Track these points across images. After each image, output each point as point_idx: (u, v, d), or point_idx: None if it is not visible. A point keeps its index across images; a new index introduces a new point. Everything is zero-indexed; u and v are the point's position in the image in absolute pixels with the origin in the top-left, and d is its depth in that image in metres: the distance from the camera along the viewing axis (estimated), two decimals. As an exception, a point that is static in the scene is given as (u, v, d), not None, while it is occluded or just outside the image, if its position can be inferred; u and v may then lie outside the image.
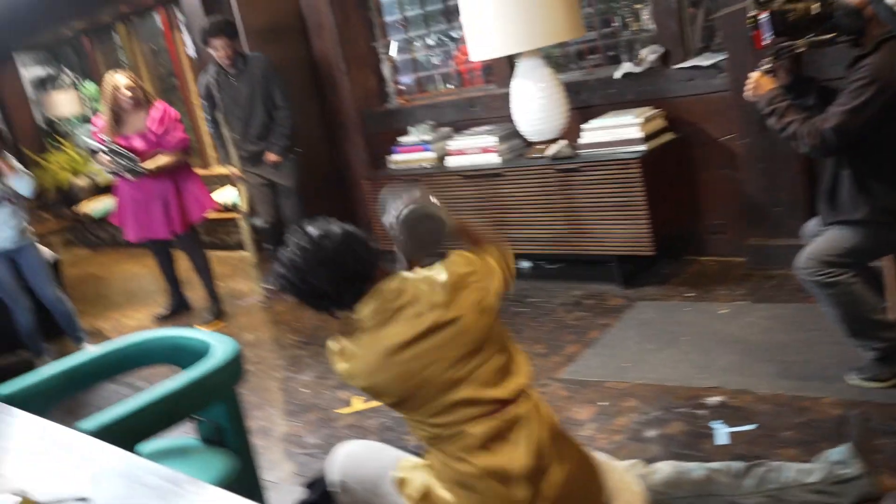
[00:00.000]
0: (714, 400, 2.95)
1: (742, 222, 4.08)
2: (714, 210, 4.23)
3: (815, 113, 2.63)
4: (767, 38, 2.61)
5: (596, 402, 3.14)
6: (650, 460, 2.62)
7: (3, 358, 5.09)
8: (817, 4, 2.55)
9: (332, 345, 1.92)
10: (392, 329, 1.84)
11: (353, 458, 2.14)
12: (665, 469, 2.27)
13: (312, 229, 1.90)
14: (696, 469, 2.26)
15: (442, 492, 1.91)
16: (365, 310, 1.87)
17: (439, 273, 1.92)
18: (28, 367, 4.91)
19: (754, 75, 2.74)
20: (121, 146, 4.84)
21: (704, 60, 4.00)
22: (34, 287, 4.75)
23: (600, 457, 2.18)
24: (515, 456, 1.86)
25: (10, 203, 4.54)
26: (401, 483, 2.00)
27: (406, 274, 1.93)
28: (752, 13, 2.61)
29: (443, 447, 1.89)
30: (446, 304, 1.86)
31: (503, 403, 1.88)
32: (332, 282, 1.85)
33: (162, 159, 4.90)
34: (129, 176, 4.88)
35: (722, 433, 2.74)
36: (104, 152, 4.83)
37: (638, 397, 3.11)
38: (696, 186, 4.25)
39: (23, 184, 4.54)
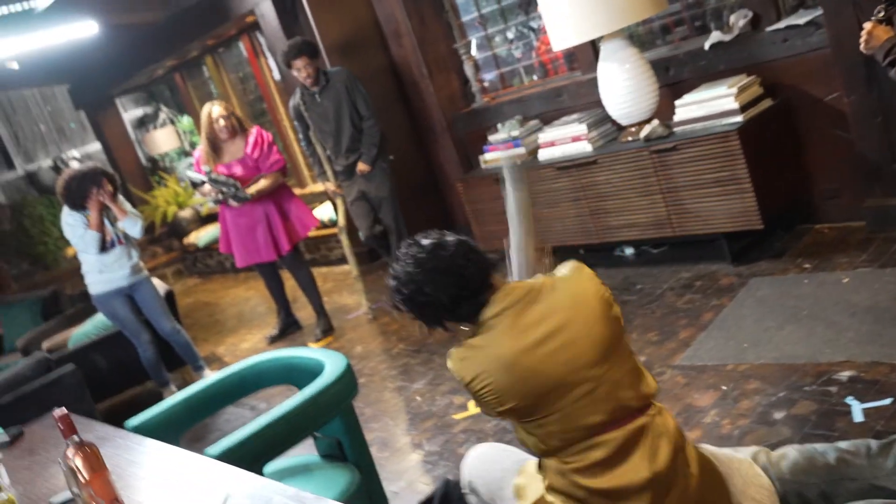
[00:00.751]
0: (845, 375, 2.80)
1: (857, 184, 3.86)
2: (825, 174, 4.02)
3: None
4: None
5: (717, 387, 3.03)
6: (780, 443, 2.51)
7: (132, 390, 5.33)
8: None
9: (454, 351, 1.87)
10: (515, 332, 1.79)
11: (481, 460, 2.12)
12: (792, 454, 2.13)
13: (426, 240, 1.88)
14: (826, 451, 2.12)
15: (555, 501, 1.86)
16: (486, 314, 1.83)
17: (562, 279, 1.87)
18: (155, 397, 5.15)
19: (867, 26, 2.57)
20: (221, 174, 5.00)
21: (799, 18, 3.80)
22: (151, 320, 4.95)
23: (723, 450, 2.07)
24: (635, 470, 1.78)
25: (121, 243, 4.74)
26: (519, 490, 1.96)
27: (527, 280, 1.90)
28: None
29: (560, 457, 1.83)
30: (570, 308, 1.81)
31: (630, 413, 1.81)
32: (449, 292, 1.81)
33: (262, 183, 5.03)
34: (233, 202, 5.03)
35: (857, 409, 2.58)
36: (206, 182, 4.99)
37: (761, 378, 2.98)
38: (802, 152, 4.05)
39: (133, 226, 4.75)
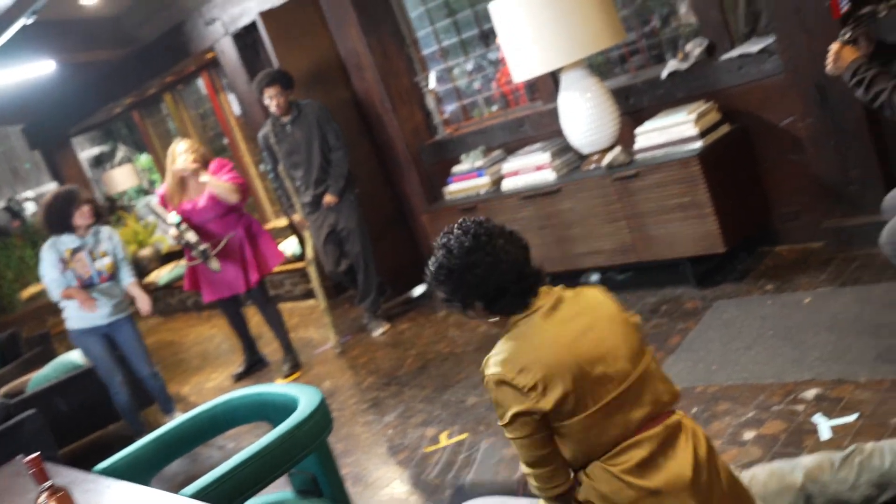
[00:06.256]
0: (811, 393, 2.84)
1: (815, 205, 3.95)
2: (784, 197, 4.11)
3: None
4: (844, 5, 2.51)
5: (688, 410, 3.05)
6: (751, 463, 2.54)
7: (95, 434, 5.21)
8: None
9: (493, 354, 1.83)
10: (553, 326, 1.81)
11: None
12: (761, 475, 2.19)
13: (497, 225, 1.87)
14: (794, 469, 2.18)
15: None
16: (523, 314, 1.84)
17: (578, 290, 1.94)
18: (121, 440, 5.03)
19: (834, 47, 2.64)
20: (193, 234, 4.93)
21: (752, 46, 3.91)
22: (130, 362, 4.83)
23: None
24: (682, 465, 1.79)
25: (105, 280, 4.65)
26: None
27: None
28: None
29: (605, 460, 1.81)
30: (594, 310, 1.87)
31: (666, 409, 1.84)
32: (506, 279, 1.81)
33: (212, 180, 4.94)
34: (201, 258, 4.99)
35: (824, 427, 2.63)
36: (175, 226, 4.91)
37: (730, 399, 3.01)
38: (761, 176, 4.14)
39: (127, 279, 4.73)
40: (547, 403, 1.74)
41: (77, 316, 4.65)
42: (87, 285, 4.60)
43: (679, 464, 1.78)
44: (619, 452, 1.78)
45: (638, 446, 1.78)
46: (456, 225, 1.88)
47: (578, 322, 1.82)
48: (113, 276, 4.68)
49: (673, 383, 1.90)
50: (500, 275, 1.80)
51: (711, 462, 1.82)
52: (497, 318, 1.86)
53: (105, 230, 4.74)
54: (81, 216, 4.57)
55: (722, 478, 1.83)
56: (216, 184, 4.94)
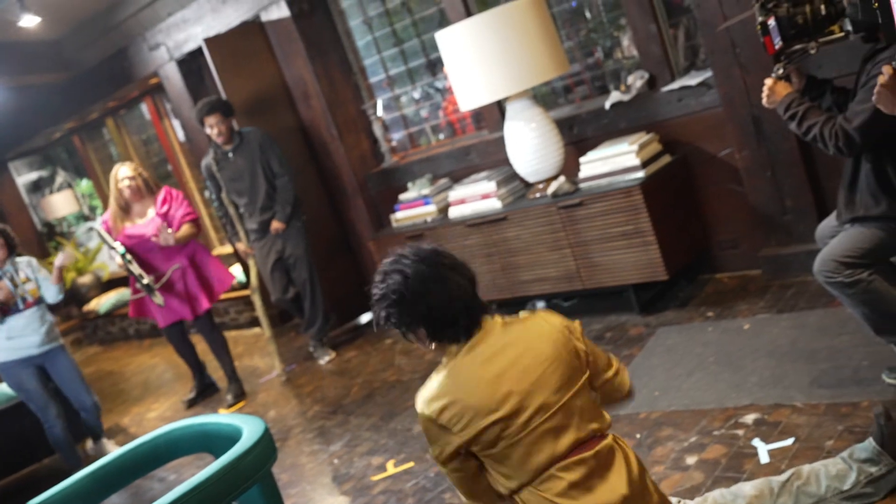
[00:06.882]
0: (750, 418, 2.90)
1: (753, 234, 4.06)
2: (723, 226, 4.21)
3: (834, 113, 2.61)
4: (777, 42, 2.60)
5: (631, 435, 3.09)
6: (694, 488, 2.58)
7: (26, 469, 5.02)
8: (823, 5, 2.53)
9: (422, 392, 1.87)
10: (477, 362, 1.85)
11: None
12: None
13: (450, 257, 1.91)
14: (735, 499, 2.23)
15: None
16: (455, 348, 1.88)
17: (517, 318, 1.97)
18: (55, 475, 4.87)
19: (769, 82, 2.73)
20: (137, 266, 4.84)
21: (691, 79, 4.02)
22: (68, 393, 4.65)
23: None
24: (613, 489, 1.83)
25: (30, 306, 4.50)
26: None
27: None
28: (761, 19, 2.61)
29: (535, 486, 1.84)
30: (523, 341, 1.90)
31: (597, 435, 1.88)
32: (452, 310, 1.84)
33: (177, 235, 4.90)
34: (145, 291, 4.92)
35: (763, 451, 2.68)
36: (121, 256, 4.82)
37: (673, 425, 3.05)
38: (701, 205, 4.24)
39: (51, 291, 4.55)
40: (467, 435, 1.80)
41: (7, 347, 4.49)
42: (12, 312, 4.46)
43: (611, 487, 1.83)
44: (549, 477, 1.83)
45: (568, 470, 1.83)
46: (411, 250, 1.89)
47: (506, 355, 1.86)
48: (38, 301, 4.55)
49: (605, 414, 1.96)
50: (450, 307, 1.84)
51: (643, 484, 1.89)
52: (435, 345, 1.91)
53: (22, 259, 4.64)
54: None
55: (654, 500, 1.89)
56: (180, 236, 4.90)
